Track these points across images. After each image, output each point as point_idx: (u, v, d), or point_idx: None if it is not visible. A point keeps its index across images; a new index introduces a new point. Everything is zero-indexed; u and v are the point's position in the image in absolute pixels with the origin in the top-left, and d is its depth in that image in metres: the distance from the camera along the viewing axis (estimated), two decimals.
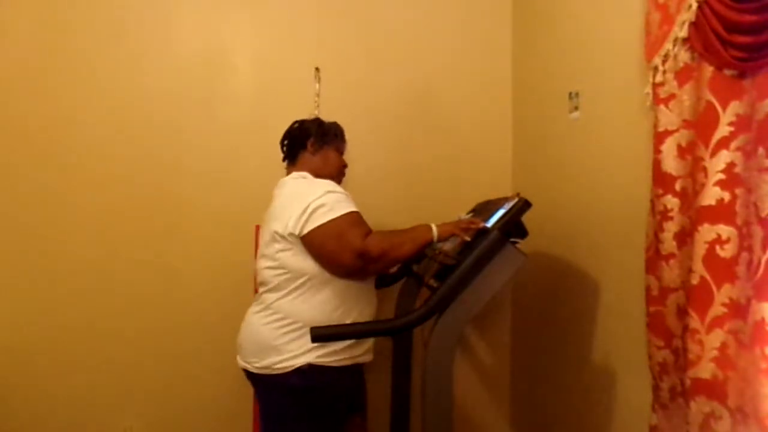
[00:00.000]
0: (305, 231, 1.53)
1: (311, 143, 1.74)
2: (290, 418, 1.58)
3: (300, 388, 1.54)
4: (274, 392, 1.59)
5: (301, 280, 1.57)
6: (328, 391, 1.58)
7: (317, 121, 1.79)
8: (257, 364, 1.59)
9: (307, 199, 1.54)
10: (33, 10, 2.16)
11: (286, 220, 1.56)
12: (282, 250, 1.58)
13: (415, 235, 1.59)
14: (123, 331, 2.21)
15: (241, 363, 1.66)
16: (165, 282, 2.24)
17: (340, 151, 1.81)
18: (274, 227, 1.59)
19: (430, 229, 1.59)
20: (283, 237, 1.57)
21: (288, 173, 1.75)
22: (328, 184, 1.61)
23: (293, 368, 1.53)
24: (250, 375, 1.65)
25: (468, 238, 1.54)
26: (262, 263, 1.65)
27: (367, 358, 1.68)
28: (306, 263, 1.56)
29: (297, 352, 1.53)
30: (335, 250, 1.52)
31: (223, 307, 2.23)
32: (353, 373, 1.66)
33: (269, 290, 1.62)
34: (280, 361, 1.54)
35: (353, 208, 1.57)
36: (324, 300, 1.57)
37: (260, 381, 1.61)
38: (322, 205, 1.53)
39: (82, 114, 2.18)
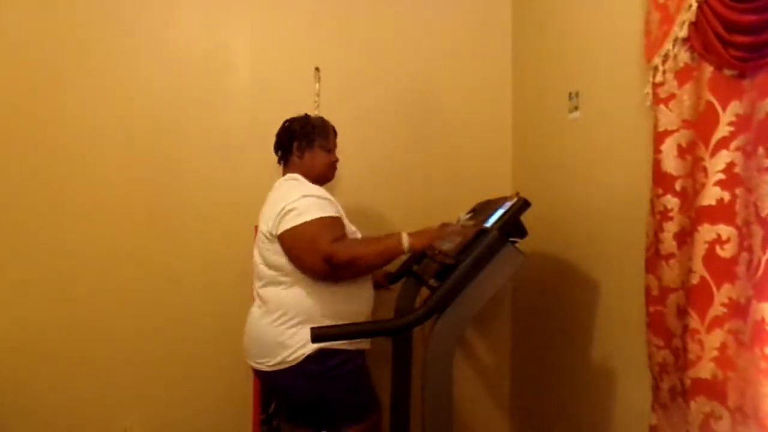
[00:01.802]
0: (278, 232, 1.59)
1: (296, 147, 1.76)
2: (318, 402, 1.63)
3: (317, 372, 1.59)
4: (294, 381, 1.62)
5: (291, 277, 1.62)
6: (344, 369, 1.62)
7: (302, 122, 1.79)
8: (270, 363, 1.62)
9: (284, 202, 1.59)
10: (32, 8, 2.16)
11: (267, 219, 1.63)
12: (267, 249, 1.64)
13: (384, 247, 1.56)
14: (122, 331, 2.21)
15: (253, 364, 1.70)
16: (164, 282, 2.24)
17: (328, 148, 1.81)
18: (260, 226, 1.67)
19: (401, 242, 1.55)
20: (266, 236, 1.63)
21: (283, 174, 1.79)
22: (307, 188, 1.64)
23: (304, 356, 1.58)
24: (264, 375, 1.68)
25: (443, 249, 1.50)
26: (257, 259, 1.71)
27: (366, 345, 1.73)
28: (288, 261, 1.62)
29: (303, 342, 1.57)
30: (302, 253, 1.57)
31: (223, 307, 2.23)
32: (359, 354, 1.70)
33: (265, 285, 1.67)
34: (290, 354, 1.59)
35: (326, 213, 1.58)
36: (319, 293, 1.60)
37: (277, 377, 1.64)
38: (293, 209, 1.57)
39: (81, 113, 2.18)
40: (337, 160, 1.84)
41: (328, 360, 1.59)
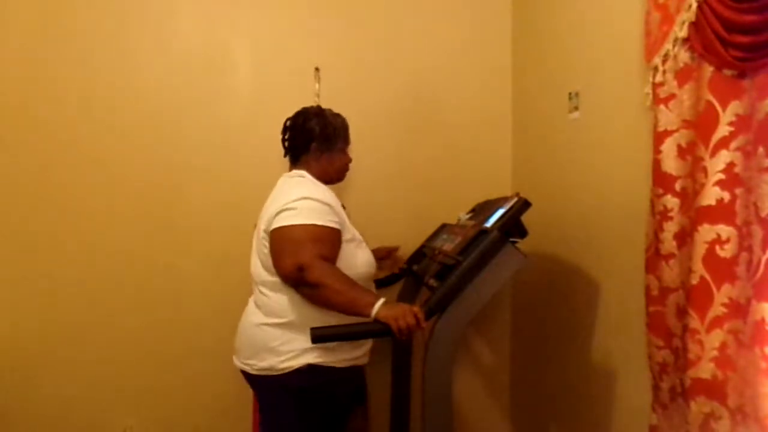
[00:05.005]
0: (270, 229, 1.53)
1: (314, 149, 1.67)
2: (291, 418, 1.57)
3: (300, 388, 1.54)
4: (275, 393, 1.59)
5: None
6: (328, 391, 1.57)
7: (320, 121, 1.68)
8: (256, 366, 1.57)
9: (284, 201, 1.53)
10: (32, 8, 2.16)
11: (266, 218, 1.57)
12: (265, 251, 1.57)
13: (354, 298, 1.43)
14: (123, 330, 2.21)
15: (239, 365, 1.64)
16: (164, 281, 2.24)
17: (344, 150, 1.76)
18: (260, 224, 1.60)
19: (373, 305, 1.40)
20: (263, 235, 1.57)
21: (290, 169, 1.73)
22: (311, 190, 1.57)
23: (292, 369, 1.52)
24: (248, 377, 1.63)
25: (398, 336, 1.40)
26: (255, 261, 1.64)
27: (365, 360, 1.67)
28: None
29: (295, 353, 1.52)
30: (281, 252, 1.49)
31: (223, 307, 2.22)
32: (352, 373, 1.65)
33: (262, 289, 1.61)
34: (279, 362, 1.53)
35: (323, 222, 1.50)
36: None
37: (260, 382, 1.60)
38: (290, 209, 1.50)
39: (80, 111, 2.18)
40: (350, 160, 1.80)
41: (316, 377, 1.53)
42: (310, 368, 1.52)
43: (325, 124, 1.69)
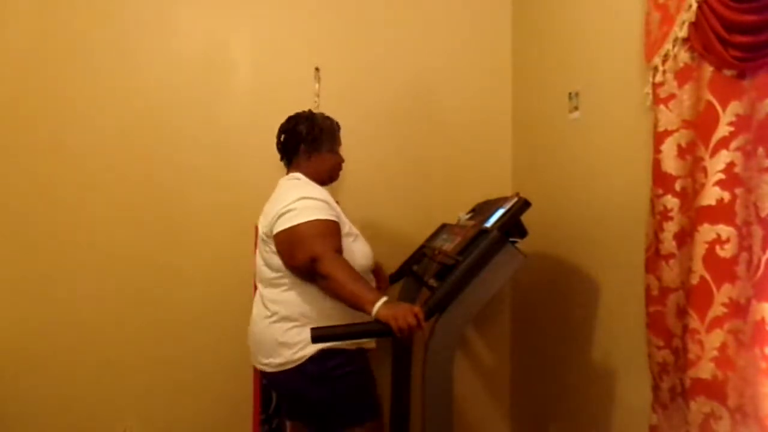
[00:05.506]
0: (273, 232, 1.58)
1: (303, 150, 1.73)
2: (321, 403, 1.61)
3: (317, 374, 1.57)
4: (297, 383, 1.61)
5: (291, 278, 1.60)
6: (345, 370, 1.60)
7: (308, 123, 1.74)
8: (274, 363, 1.61)
9: (282, 203, 1.58)
10: (32, 8, 2.16)
11: (266, 220, 1.62)
12: (266, 250, 1.63)
13: (357, 293, 1.46)
14: (123, 330, 2.21)
15: (257, 365, 1.68)
16: (164, 282, 2.24)
17: (335, 150, 1.79)
18: (260, 227, 1.66)
19: (374, 303, 1.42)
20: (264, 237, 1.63)
21: (287, 173, 1.77)
22: (307, 190, 1.62)
23: (306, 357, 1.56)
24: (268, 376, 1.67)
25: (398, 335, 1.41)
26: (258, 260, 1.70)
27: (371, 344, 1.71)
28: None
29: (306, 342, 1.55)
30: (292, 250, 1.54)
31: (223, 307, 2.23)
32: (362, 355, 1.68)
33: (266, 286, 1.66)
34: (293, 354, 1.57)
35: (323, 216, 1.55)
36: (321, 294, 1.57)
37: (280, 378, 1.63)
38: (290, 211, 1.55)
39: (81, 112, 2.18)
40: (343, 161, 1.83)
41: (328, 360, 1.57)
42: (322, 353, 1.56)
43: (312, 126, 1.74)
